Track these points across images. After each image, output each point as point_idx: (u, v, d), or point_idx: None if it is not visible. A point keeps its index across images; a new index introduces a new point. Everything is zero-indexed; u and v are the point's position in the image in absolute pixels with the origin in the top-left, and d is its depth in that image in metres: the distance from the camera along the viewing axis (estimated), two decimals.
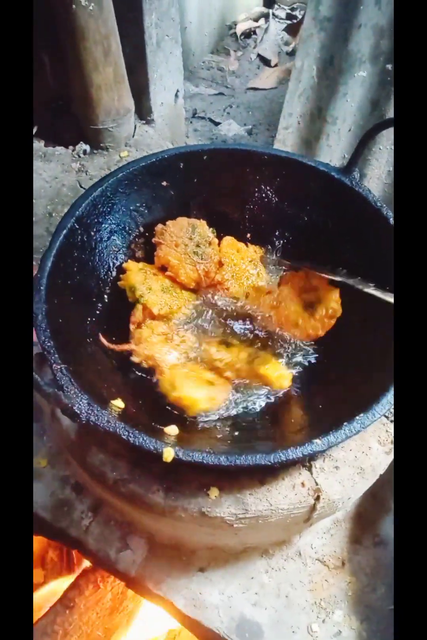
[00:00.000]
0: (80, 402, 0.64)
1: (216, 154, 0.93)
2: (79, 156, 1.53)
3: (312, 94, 1.65)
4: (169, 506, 0.67)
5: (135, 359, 0.82)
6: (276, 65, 2.36)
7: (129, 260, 0.91)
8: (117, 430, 0.63)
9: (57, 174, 1.48)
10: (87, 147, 1.53)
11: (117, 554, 0.78)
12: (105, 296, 0.88)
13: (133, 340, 0.84)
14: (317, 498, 0.71)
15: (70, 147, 1.54)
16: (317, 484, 0.71)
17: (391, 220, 0.83)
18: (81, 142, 1.53)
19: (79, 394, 0.65)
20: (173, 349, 0.83)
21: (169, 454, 0.62)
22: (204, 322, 0.89)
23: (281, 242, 0.98)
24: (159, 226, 0.92)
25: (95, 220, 0.85)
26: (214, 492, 0.68)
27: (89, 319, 0.82)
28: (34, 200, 1.39)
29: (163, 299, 0.87)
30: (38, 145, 1.54)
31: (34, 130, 1.53)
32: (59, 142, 1.55)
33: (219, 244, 0.95)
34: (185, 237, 0.91)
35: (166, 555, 0.79)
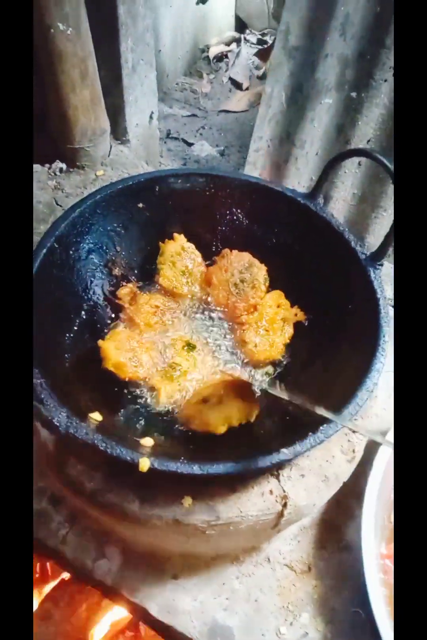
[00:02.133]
0: (60, 415, 0.67)
1: (189, 178, 0.98)
2: (55, 174, 1.56)
3: (281, 119, 1.72)
4: (145, 515, 0.71)
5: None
6: (247, 89, 2.43)
7: (181, 235, 1.00)
8: (95, 441, 0.66)
9: (33, 192, 1.50)
10: (64, 166, 1.56)
11: (93, 563, 0.80)
12: (83, 313, 0.91)
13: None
14: (285, 505, 0.75)
15: (47, 165, 1.56)
16: (284, 491, 0.75)
17: (353, 244, 0.89)
18: (57, 161, 1.56)
19: (58, 407, 0.68)
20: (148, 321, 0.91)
21: (144, 464, 0.66)
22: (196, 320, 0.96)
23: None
24: (226, 250, 1.00)
25: (74, 239, 0.88)
26: (187, 501, 0.72)
27: (67, 334, 0.85)
28: None
29: (175, 277, 0.97)
30: None
31: None
32: (35, 160, 1.58)
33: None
34: (237, 269, 0.97)
35: (141, 563, 0.82)
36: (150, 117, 1.79)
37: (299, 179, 1.73)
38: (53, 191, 1.50)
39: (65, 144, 1.51)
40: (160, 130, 2.00)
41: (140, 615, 0.80)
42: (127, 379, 0.84)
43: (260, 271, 0.98)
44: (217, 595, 0.82)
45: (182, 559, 0.83)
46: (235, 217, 1.03)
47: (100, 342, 0.84)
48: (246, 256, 0.99)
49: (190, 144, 2.07)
